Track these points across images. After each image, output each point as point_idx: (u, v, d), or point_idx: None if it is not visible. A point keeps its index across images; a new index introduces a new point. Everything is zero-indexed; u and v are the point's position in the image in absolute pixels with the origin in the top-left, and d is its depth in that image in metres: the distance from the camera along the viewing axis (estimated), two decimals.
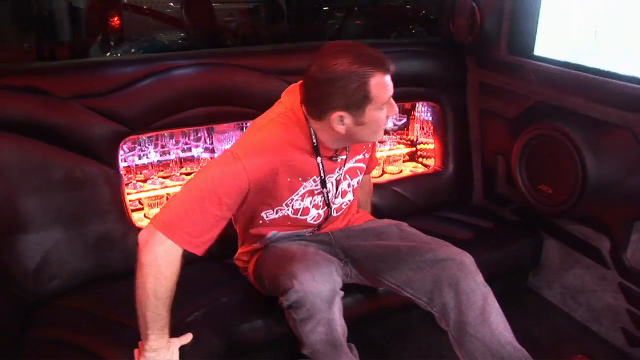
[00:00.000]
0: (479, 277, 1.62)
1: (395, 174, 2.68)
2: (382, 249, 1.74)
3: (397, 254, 1.70)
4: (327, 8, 4.49)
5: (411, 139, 2.85)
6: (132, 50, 3.03)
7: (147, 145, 2.24)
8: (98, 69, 2.01)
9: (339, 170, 1.70)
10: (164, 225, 1.41)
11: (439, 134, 2.60)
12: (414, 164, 2.82)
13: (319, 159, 1.60)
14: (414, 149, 2.85)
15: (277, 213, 1.68)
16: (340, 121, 1.48)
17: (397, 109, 1.54)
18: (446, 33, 2.47)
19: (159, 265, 1.39)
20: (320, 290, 1.52)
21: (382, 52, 1.48)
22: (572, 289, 2.24)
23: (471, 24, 2.33)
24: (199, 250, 1.45)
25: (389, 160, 2.76)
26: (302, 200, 1.67)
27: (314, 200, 1.70)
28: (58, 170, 1.88)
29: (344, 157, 1.67)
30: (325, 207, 1.73)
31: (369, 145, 1.81)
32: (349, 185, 1.77)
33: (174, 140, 2.31)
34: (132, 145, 2.24)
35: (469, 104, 2.54)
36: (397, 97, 2.46)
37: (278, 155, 1.53)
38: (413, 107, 2.80)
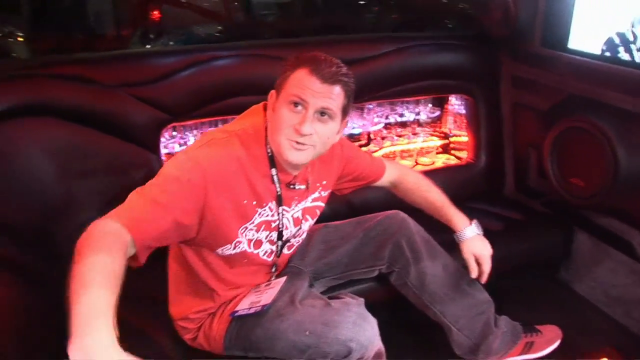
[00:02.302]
0: (416, 225, 1.82)
1: (428, 165, 2.72)
2: (342, 253, 1.80)
3: (355, 246, 1.80)
4: (363, 2, 4.53)
5: (444, 131, 2.88)
6: (171, 43, 3.13)
7: (187, 132, 2.33)
8: (143, 59, 2.12)
9: (296, 205, 1.58)
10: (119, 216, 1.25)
11: (472, 127, 2.62)
12: (446, 156, 2.85)
13: (273, 170, 1.47)
14: (447, 141, 2.88)
15: (235, 248, 1.50)
16: (270, 100, 1.44)
17: (304, 127, 1.34)
18: (480, 26, 2.50)
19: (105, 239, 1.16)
20: (374, 333, 1.47)
21: (344, 68, 1.39)
22: (603, 282, 2.24)
23: (505, 17, 2.34)
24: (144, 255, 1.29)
25: (421, 152, 2.80)
26: (257, 231, 1.52)
27: (270, 236, 1.56)
28: (104, 155, 1.98)
29: (303, 187, 1.56)
30: (278, 243, 1.60)
31: (324, 182, 1.66)
32: (305, 227, 1.67)
33: (213, 128, 2.39)
34: (174, 133, 2.34)
35: (502, 97, 2.56)
36: (430, 89, 2.54)
37: (236, 172, 1.42)
38: (446, 100, 2.82)
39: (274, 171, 1.47)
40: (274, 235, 1.56)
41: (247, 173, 1.42)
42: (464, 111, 2.71)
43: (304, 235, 1.71)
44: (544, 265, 2.42)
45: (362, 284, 1.90)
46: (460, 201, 2.45)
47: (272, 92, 1.43)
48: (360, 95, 2.25)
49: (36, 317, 1.49)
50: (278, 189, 1.49)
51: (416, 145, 2.78)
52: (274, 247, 1.59)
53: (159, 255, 1.52)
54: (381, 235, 1.76)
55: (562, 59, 2.22)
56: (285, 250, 1.65)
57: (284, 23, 4.35)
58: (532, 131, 2.41)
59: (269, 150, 1.45)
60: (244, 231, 1.48)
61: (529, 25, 2.31)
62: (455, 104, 2.78)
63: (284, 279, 1.63)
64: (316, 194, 1.64)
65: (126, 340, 1.52)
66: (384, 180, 1.85)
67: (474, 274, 1.75)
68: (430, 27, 3.29)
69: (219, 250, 1.49)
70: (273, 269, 1.65)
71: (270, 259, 1.61)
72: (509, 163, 2.61)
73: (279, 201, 1.51)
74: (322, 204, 1.69)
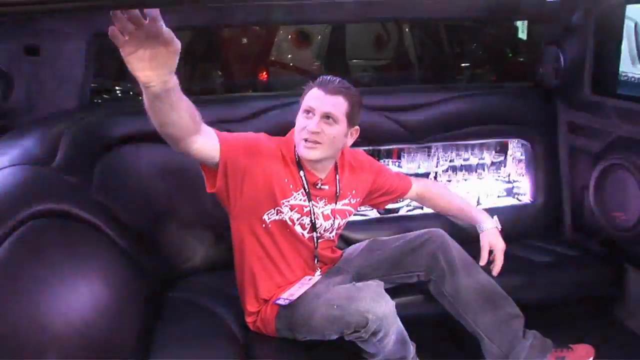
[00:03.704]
0: (455, 244, 2.01)
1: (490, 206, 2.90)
2: (384, 258, 2.05)
3: (397, 253, 2.03)
4: (465, 65, 4.86)
5: (507, 175, 3.05)
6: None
7: None
8: (238, 101, 2.58)
9: (325, 204, 1.92)
10: None
11: (531, 169, 2.80)
12: (510, 199, 3.01)
13: (301, 172, 1.84)
14: (510, 185, 3.04)
15: (277, 214, 1.83)
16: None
17: (310, 124, 1.76)
18: (537, 77, 2.73)
19: None
20: (389, 309, 1.72)
21: (346, 84, 1.84)
22: None
23: (557, 68, 2.57)
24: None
25: (484, 195, 2.99)
26: (291, 210, 1.85)
27: (302, 219, 1.88)
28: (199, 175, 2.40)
29: (327, 187, 1.90)
30: (312, 232, 1.92)
31: (353, 191, 1.99)
32: (336, 225, 1.98)
33: None
34: None
35: (559, 142, 2.73)
36: (491, 133, 2.78)
37: (283, 158, 1.84)
38: (508, 145, 3.01)
39: (301, 173, 1.86)
40: (306, 220, 1.89)
41: (287, 163, 1.83)
42: (524, 156, 2.89)
43: (334, 233, 1.99)
44: (595, 301, 2.48)
45: (405, 296, 2.13)
46: (519, 239, 2.66)
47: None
48: (426, 135, 2.67)
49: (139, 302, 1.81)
50: (306, 187, 1.86)
51: (479, 188, 2.97)
52: (307, 226, 1.90)
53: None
54: (421, 246, 2.02)
55: (611, 104, 2.39)
56: (321, 244, 1.95)
57: (377, 82, 4.78)
58: (587, 173, 2.55)
59: (296, 156, 1.85)
60: (286, 203, 1.83)
61: (579, 75, 2.51)
62: (517, 149, 2.96)
63: (320, 276, 1.94)
64: (346, 200, 1.98)
65: (202, 320, 1.93)
66: (412, 193, 2.16)
67: (483, 261, 1.99)
68: (496, 76, 3.53)
69: (266, 216, 1.83)
70: (316, 261, 1.96)
71: (307, 234, 1.90)
72: (566, 203, 2.73)
73: (308, 196, 1.86)
74: (352, 209, 2.02)
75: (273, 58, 4.68)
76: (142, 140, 2.27)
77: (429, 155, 2.91)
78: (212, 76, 4.32)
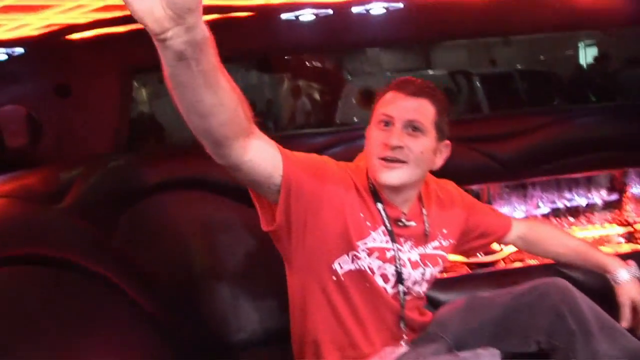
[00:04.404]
0: (585, 297, 1.48)
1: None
2: (488, 320, 1.53)
3: (505, 312, 1.51)
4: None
5: (626, 217, 2.51)
6: None
7: None
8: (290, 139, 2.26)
9: (412, 248, 1.47)
10: None
11: None
12: (632, 245, 2.45)
13: (379, 204, 1.41)
14: (630, 229, 2.49)
15: (353, 261, 1.39)
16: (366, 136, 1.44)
17: (389, 138, 1.34)
18: None
19: None
20: None
21: (431, 84, 1.44)
22: None
23: None
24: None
25: (600, 241, 2.45)
26: (369, 256, 1.40)
27: (384, 268, 1.42)
28: (249, 229, 2.01)
29: (413, 223, 1.46)
30: (398, 285, 1.44)
31: (444, 230, 1.54)
32: (428, 275, 1.51)
33: None
34: None
35: None
36: (597, 163, 2.30)
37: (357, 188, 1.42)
38: (624, 182, 2.50)
39: (379, 206, 1.41)
40: (390, 269, 1.42)
41: (360, 194, 1.40)
42: None
43: (424, 287, 1.53)
44: None
45: None
46: None
47: (368, 127, 1.45)
48: (519, 171, 2.29)
49: None
50: (387, 224, 1.40)
51: (593, 232, 2.45)
52: (392, 277, 1.44)
53: None
54: (537, 301, 1.50)
55: None
56: (408, 302, 1.47)
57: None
58: None
59: (370, 185, 1.41)
60: (362, 246, 1.39)
61: None
62: (636, 181, 2.44)
63: (406, 347, 1.44)
64: (436, 242, 1.51)
65: None
66: (512, 235, 1.69)
67: (626, 322, 1.52)
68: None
69: (337, 264, 1.38)
70: (402, 326, 1.47)
71: (390, 289, 1.44)
72: None
73: (391, 237, 1.41)
74: (445, 254, 1.54)
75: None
76: (181, 188, 2.01)
77: (524, 197, 2.46)
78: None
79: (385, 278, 1.42)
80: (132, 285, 1.47)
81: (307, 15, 1.98)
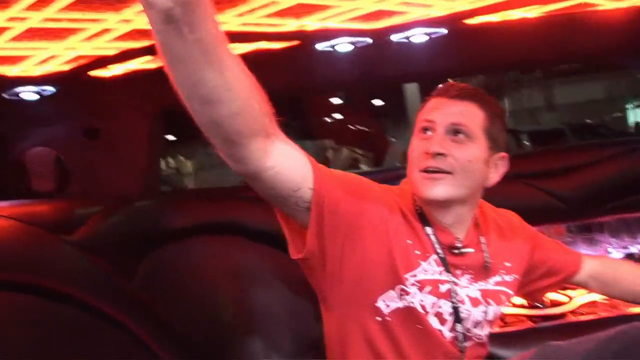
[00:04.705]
0: None
1: None
2: None
3: None
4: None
5: None
6: None
7: None
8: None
9: (471, 282, 1.26)
10: None
11: None
12: None
13: (428, 229, 1.22)
14: None
15: (401, 298, 1.19)
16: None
17: (431, 145, 1.17)
18: None
19: None
20: None
21: (479, 89, 1.29)
22: None
23: None
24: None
25: None
26: (420, 290, 1.21)
27: (438, 305, 1.22)
28: (290, 277, 1.90)
29: (471, 250, 1.26)
30: (455, 327, 1.23)
31: (507, 264, 1.32)
32: (491, 315, 1.29)
33: None
34: None
35: None
36: None
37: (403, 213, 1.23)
38: None
39: (429, 230, 1.21)
40: (446, 307, 1.21)
41: (407, 218, 1.21)
42: None
43: (486, 330, 1.29)
44: None
45: None
46: None
47: None
48: (584, 209, 2.10)
49: None
50: (439, 251, 1.20)
51: None
52: (449, 317, 1.22)
53: None
54: (629, 349, 1.24)
55: None
56: (469, 349, 1.24)
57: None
58: None
59: (417, 208, 1.22)
60: (411, 279, 1.18)
61: None
62: None
63: None
64: (498, 277, 1.30)
65: None
66: (583, 274, 1.45)
67: None
68: None
69: (382, 302, 1.17)
70: None
71: (447, 331, 1.21)
72: None
73: (445, 266, 1.20)
74: (509, 291, 1.31)
75: None
76: (211, 232, 1.91)
77: (591, 240, 2.21)
78: None
79: (440, 318, 1.20)
80: (148, 331, 1.34)
81: (344, 45, 1.87)
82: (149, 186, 2.06)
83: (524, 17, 2.00)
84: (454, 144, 1.17)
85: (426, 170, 1.16)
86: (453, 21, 1.83)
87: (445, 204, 1.19)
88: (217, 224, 1.95)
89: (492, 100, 1.24)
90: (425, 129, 1.20)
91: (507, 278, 1.30)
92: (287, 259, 1.90)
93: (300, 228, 1.13)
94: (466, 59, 2.08)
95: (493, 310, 1.26)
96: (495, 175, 1.23)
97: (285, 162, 1.02)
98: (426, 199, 1.17)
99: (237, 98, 0.88)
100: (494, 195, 1.43)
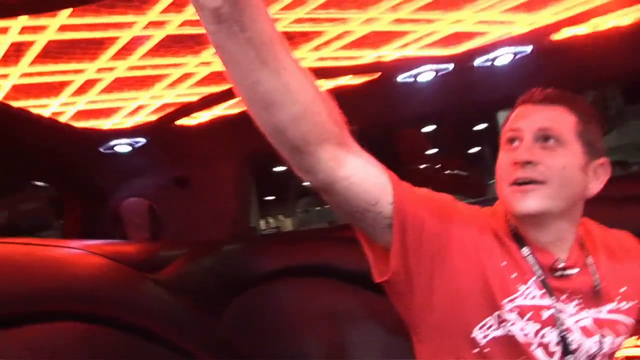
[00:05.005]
0: None
1: None
2: None
3: None
4: None
5: None
6: None
7: None
8: None
9: (580, 309, 1.09)
10: None
11: None
12: None
13: (525, 250, 1.09)
14: None
15: (499, 326, 1.06)
16: None
17: (519, 153, 1.04)
18: None
19: None
20: None
21: (568, 92, 1.13)
22: None
23: None
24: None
25: None
26: (521, 318, 1.06)
27: (542, 335, 1.07)
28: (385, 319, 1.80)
29: (576, 270, 1.09)
30: (562, 356, 1.06)
31: (622, 289, 1.14)
32: (607, 347, 1.10)
33: None
34: None
35: None
36: None
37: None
38: None
39: (525, 251, 1.06)
40: (552, 336, 1.04)
41: (501, 239, 1.08)
42: None
43: None
44: None
45: None
46: None
47: None
48: None
49: None
50: (538, 273, 1.05)
51: None
52: (556, 348, 1.05)
53: None
54: None
55: None
56: None
57: None
58: None
59: (512, 227, 1.09)
60: (510, 305, 1.04)
61: None
62: None
63: None
64: (614, 304, 1.11)
65: None
66: None
67: None
68: None
69: (478, 331, 1.03)
70: None
71: None
72: None
73: (547, 289, 1.04)
74: (628, 320, 1.12)
75: None
76: (301, 274, 1.89)
77: None
78: None
79: (547, 350, 1.04)
80: None
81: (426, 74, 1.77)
82: (239, 231, 2.04)
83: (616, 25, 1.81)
84: (545, 151, 1.04)
85: (516, 183, 1.04)
86: (538, 37, 1.69)
87: (541, 218, 1.05)
88: (306, 266, 1.90)
89: (584, 102, 1.10)
90: (511, 140, 1.08)
91: (624, 305, 1.11)
92: (380, 299, 1.83)
93: (383, 249, 1.03)
94: (557, 77, 1.92)
95: (610, 341, 1.08)
96: (596, 184, 1.07)
97: (361, 173, 0.94)
98: (519, 213, 1.04)
99: (297, 101, 0.83)
100: (612, 219, 1.25)
